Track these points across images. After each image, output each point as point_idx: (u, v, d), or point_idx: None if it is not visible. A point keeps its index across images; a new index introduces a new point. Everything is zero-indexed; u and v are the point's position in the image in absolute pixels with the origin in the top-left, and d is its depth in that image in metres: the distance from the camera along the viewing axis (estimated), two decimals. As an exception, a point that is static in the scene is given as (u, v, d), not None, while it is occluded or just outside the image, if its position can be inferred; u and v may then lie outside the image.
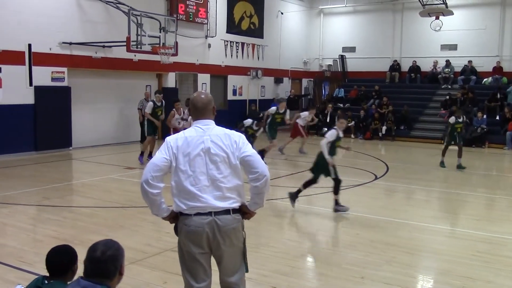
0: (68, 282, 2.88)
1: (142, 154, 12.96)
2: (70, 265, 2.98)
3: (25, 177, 10.89)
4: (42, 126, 14.01)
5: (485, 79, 21.69)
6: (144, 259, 5.72)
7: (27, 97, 13.79)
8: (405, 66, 23.84)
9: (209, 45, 19.93)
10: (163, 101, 13.06)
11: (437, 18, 20.89)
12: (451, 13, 20.80)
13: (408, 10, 23.83)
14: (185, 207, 3.42)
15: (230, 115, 21.11)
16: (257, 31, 22.68)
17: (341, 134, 8.38)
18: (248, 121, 13.05)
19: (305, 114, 15.90)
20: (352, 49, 25.32)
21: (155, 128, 12.86)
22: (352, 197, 9.72)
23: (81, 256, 3.01)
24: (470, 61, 22.14)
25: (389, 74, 23.87)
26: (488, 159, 16.08)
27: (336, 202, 8.20)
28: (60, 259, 2.98)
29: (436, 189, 10.42)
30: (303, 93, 26.06)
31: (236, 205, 3.48)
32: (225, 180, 3.42)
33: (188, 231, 3.43)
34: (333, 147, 8.22)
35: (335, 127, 8.44)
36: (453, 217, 8.44)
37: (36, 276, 3.09)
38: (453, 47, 22.95)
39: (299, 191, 8.31)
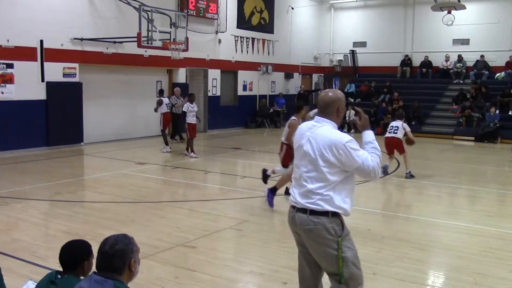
0: (82, 277, 2.89)
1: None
2: (82, 260, 2.97)
3: (37, 172, 10.98)
4: (54, 121, 14.10)
5: (497, 74, 21.46)
6: (155, 254, 5.74)
7: (39, 93, 13.89)
8: (417, 61, 23.64)
9: (220, 41, 19.91)
10: None
11: (449, 12, 20.67)
12: (464, 7, 20.58)
13: (419, 5, 23.60)
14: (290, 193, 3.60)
15: (240, 110, 21.13)
16: (267, 27, 22.63)
17: None
18: None
19: None
20: (363, 44, 25.17)
21: None
22: (363, 193, 9.68)
23: (94, 251, 3.04)
24: (482, 56, 21.92)
25: (400, 69, 23.71)
26: (500, 154, 15.93)
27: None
28: (72, 253, 2.98)
29: (447, 185, 10.33)
30: (313, 88, 25.97)
31: (315, 207, 3.35)
32: (309, 180, 3.40)
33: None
34: None
35: None
36: (465, 213, 8.37)
37: (49, 271, 3.10)
38: (466, 41, 22.74)
39: None
